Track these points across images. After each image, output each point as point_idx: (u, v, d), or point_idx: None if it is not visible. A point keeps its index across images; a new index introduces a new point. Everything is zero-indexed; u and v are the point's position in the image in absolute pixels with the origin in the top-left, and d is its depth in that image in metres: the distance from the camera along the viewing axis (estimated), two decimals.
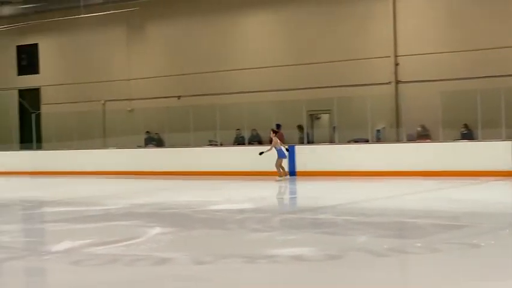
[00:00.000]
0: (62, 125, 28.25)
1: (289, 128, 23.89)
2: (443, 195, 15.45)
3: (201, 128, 24.81)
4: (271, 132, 20.85)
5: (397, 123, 23.04)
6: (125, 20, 28.19)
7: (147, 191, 18.78)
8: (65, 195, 18.16)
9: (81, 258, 8.31)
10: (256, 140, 24.41)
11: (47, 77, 31.06)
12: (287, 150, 20.83)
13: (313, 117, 25.14)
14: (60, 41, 30.94)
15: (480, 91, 20.32)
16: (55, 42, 31.16)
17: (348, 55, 24.03)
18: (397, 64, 23.46)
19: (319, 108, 24.77)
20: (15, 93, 32.26)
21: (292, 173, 21.65)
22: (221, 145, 24.90)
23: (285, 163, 20.82)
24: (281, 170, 20.44)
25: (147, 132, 27.24)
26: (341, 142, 22.49)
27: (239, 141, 24.76)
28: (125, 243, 9.37)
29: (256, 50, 26.11)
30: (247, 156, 20.64)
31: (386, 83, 23.46)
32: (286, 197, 17.71)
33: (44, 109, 30.76)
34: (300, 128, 23.90)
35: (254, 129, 24.57)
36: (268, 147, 20.58)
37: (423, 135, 22.21)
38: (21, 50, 31.98)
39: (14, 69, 32.12)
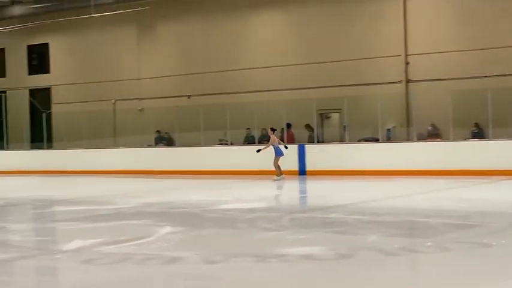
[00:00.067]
0: (73, 124, 28.36)
1: (299, 127, 23.89)
2: (453, 195, 15.41)
3: (211, 127, 24.81)
4: (269, 130, 20.85)
5: (408, 122, 22.97)
6: (135, 20, 28.24)
7: (158, 190, 18.81)
8: (75, 194, 18.18)
9: (92, 257, 8.34)
10: (266, 139, 24.35)
11: (57, 77, 31.15)
12: (286, 148, 20.68)
13: (324, 116, 25.11)
14: (70, 40, 31.01)
15: (491, 90, 20.23)
16: (65, 41, 31.23)
17: (359, 54, 23.98)
18: (407, 63, 23.40)
19: (329, 107, 24.74)
20: (26, 92, 32.35)
21: (302, 172, 21.64)
22: (231, 144, 24.91)
23: (295, 162, 20.76)
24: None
25: (157, 131, 27.27)
26: (351, 141, 22.45)
27: (249, 141, 24.75)
28: (135, 242, 9.39)
29: (266, 49, 26.11)
30: (257, 156, 20.64)
31: (397, 82, 23.41)
32: (296, 196, 17.70)
33: (55, 108, 30.85)
34: (308, 127, 23.86)
35: (264, 129, 24.50)
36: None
37: (434, 134, 22.13)
38: (31, 49, 32.06)
39: (25, 68, 32.23)
